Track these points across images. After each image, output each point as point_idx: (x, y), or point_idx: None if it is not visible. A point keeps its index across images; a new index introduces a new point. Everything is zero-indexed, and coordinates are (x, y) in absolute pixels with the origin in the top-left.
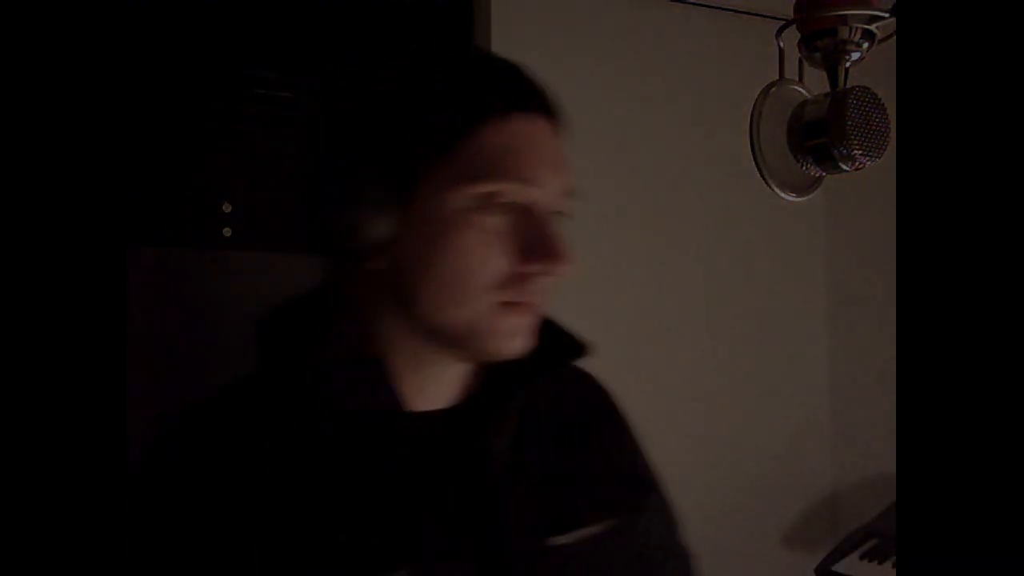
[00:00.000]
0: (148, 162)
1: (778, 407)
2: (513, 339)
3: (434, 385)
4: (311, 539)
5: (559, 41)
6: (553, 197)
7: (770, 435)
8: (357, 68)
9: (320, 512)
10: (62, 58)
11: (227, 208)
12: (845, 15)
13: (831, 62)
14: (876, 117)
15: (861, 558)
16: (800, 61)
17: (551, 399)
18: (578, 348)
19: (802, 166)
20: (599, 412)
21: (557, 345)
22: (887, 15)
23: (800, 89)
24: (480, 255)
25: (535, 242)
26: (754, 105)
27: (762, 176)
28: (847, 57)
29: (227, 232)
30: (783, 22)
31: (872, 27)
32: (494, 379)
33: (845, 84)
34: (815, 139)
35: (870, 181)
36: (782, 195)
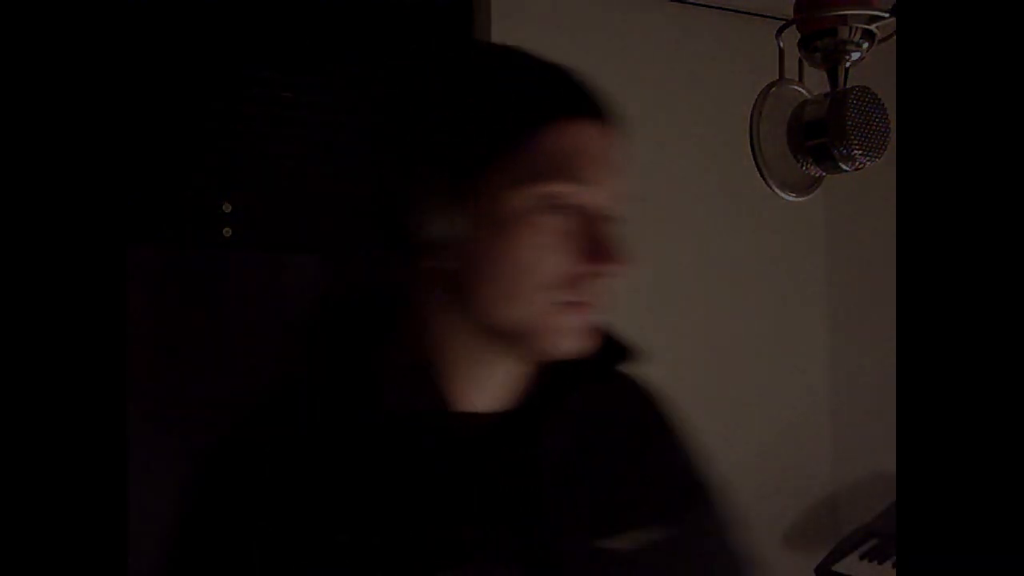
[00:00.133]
0: (148, 162)
1: (778, 407)
2: (569, 339)
3: (489, 386)
4: (360, 539)
5: (559, 41)
6: (610, 199)
7: (770, 435)
8: (357, 68)
9: (370, 512)
10: (62, 58)
11: (227, 208)
12: (845, 15)
13: (831, 62)
14: (876, 117)
15: (861, 558)
16: (800, 61)
17: (604, 403)
18: (630, 353)
19: (802, 166)
20: (652, 418)
21: (610, 349)
22: (887, 15)
23: (800, 89)
24: (539, 255)
25: (592, 243)
26: (754, 105)
27: (762, 176)
28: (847, 57)
29: (227, 232)
30: (783, 22)
31: (872, 27)
32: (549, 381)
33: (845, 84)
34: (815, 139)
35: (870, 181)
36: (782, 195)
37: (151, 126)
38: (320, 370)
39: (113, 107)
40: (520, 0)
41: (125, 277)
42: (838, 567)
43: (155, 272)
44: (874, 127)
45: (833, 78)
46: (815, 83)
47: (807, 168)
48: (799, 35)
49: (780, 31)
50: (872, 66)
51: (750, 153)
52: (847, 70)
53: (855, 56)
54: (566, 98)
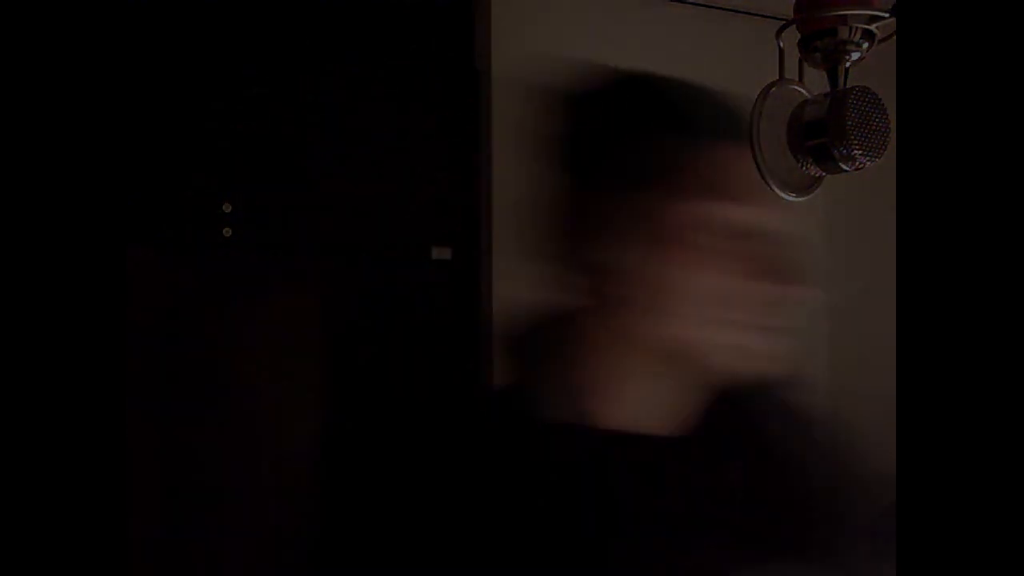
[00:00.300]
0: (148, 162)
1: None
2: (730, 359)
3: (651, 407)
4: (497, 551)
5: (559, 41)
6: (771, 219)
7: None
8: (357, 68)
9: (515, 524)
10: (62, 58)
11: (227, 208)
12: (845, 15)
13: (831, 62)
14: (876, 117)
15: None
16: (800, 61)
17: (761, 428)
18: (789, 378)
19: (802, 166)
20: (803, 444)
21: (766, 369)
22: (887, 15)
23: (800, 89)
24: (697, 273)
25: (753, 262)
26: (754, 105)
27: (762, 176)
28: (847, 57)
29: (227, 232)
30: (783, 22)
31: (872, 27)
32: (714, 403)
33: (845, 84)
34: (815, 139)
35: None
36: (782, 195)
37: (151, 126)
38: (489, 380)
39: (113, 107)
40: (520, 0)
41: (124, 277)
42: None
43: (155, 272)
44: (874, 127)
45: (833, 78)
46: (815, 83)
47: (807, 168)
48: (799, 35)
49: (780, 31)
50: (872, 66)
51: (750, 153)
52: (847, 70)
53: (855, 56)
54: (721, 118)
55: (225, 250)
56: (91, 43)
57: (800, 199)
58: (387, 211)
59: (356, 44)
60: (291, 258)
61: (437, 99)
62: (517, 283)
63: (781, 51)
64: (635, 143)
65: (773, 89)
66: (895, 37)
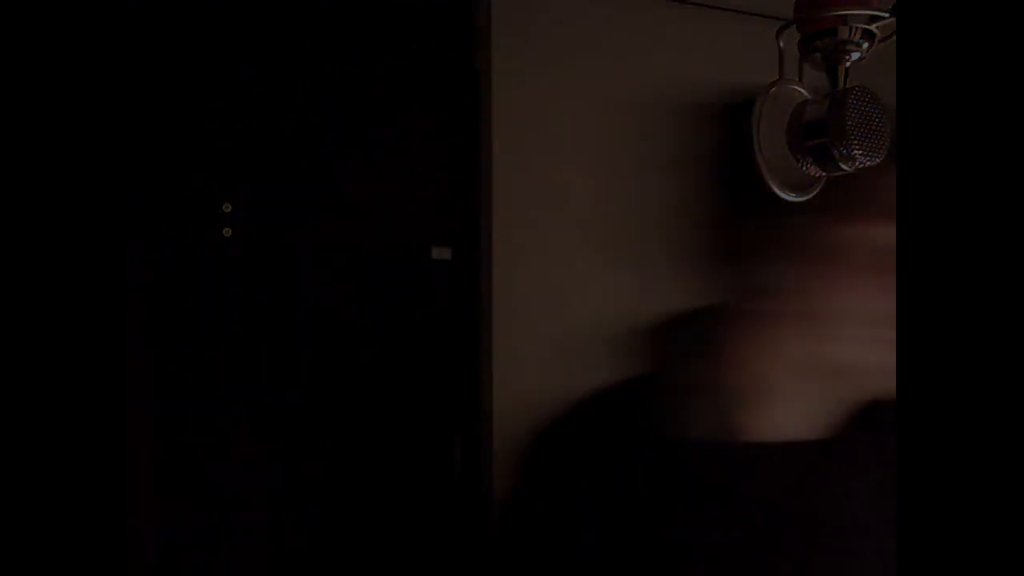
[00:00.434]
0: (148, 162)
1: None
2: (884, 378)
3: (799, 419)
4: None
5: (559, 41)
6: None
7: None
8: (357, 68)
9: (654, 526)
10: (63, 58)
11: (227, 208)
12: (845, 15)
13: (831, 62)
14: (876, 117)
15: None
16: (800, 61)
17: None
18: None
19: (802, 166)
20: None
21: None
22: (887, 15)
23: (800, 89)
24: (857, 293)
25: None
26: (754, 105)
27: (762, 176)
28: (847, 57)
29: (227, 232)
30: (783, 22)
31: (872, 27)
32: (864, 419)
33: (845, 84)
34: (815, 139)
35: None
36: (782, 195)
37: (151, 126)
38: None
39: (113, 107)
40: (520, 0)
41: (124, 276)
42: None
43: (155, 271)
44: (874, 127)
45: (833, 78)
46: (815, 83)
47: (807, 168)
48: (799, 35)
49: (780, 31)
50: (872, 66)
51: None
52: (847, 70)
53: (855, 56)
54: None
55: (225, 250)
56: (91, 43)
57: (800, 199)
58: (387, 211)
59: (356, 44)
60: (291, 258)
61: (437, 99)
62: (518, 283)
63: (781, 51)
64: (804, 164)
65: (773, 89)
66: (895, 37)
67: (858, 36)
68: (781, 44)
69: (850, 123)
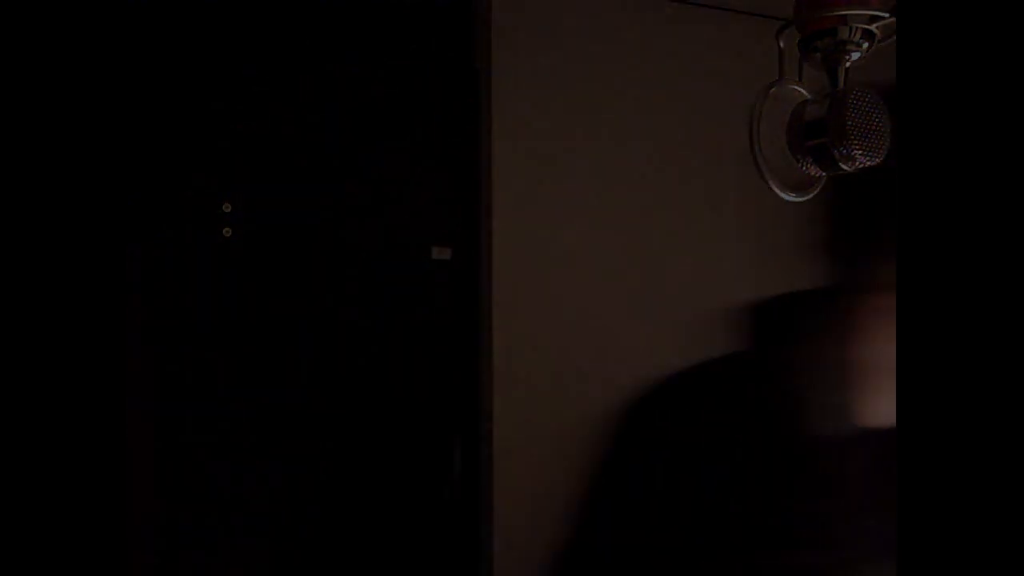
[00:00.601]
0: (148, 162)
1: None
2: None
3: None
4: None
5: (559, 41)
6: None
7: None
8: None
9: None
10: (63, 59)
11: (227, 208)
12: (845, 15)
13: (831, 62)
14: (876, 117)
15: None
16: (800, 61)
17: None
18: None
19: (802, 166)
20: None
21: None
22: (887, 15)
23: (800, 89)
24: None
25: None
26: (754, 105)
27: (762, 176)
28: (847, 57)
29: (227, 232)
30: (783, 22)
31: (872, 27)
32: None
33: (845, 84)
34: (815, 139)
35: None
36: (782, 195)
37: (151, 126)
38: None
39: (113, 107)
40: (520, 0)
41: (124, 276)
42: None
43: (154, 271)
44: (874, 127)
45: (833, 78)
46: (815, 83)
47: (807, 168)
48: (799, 35)
49: (780, 31)
50: (872, 66)
51: (750, 153)
52: (847, 70)
53: (855, 56)
54: None
55: (225, 250)
56: (92, 44)
57: (800, 199)
58: (387, 211)
59: (356, 44)
60: (291, 258)
61: (437, 99)
62: (518, 283)
63: (781, 51)
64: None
65: (773, 89)
66: (895, 37)
67: (858, 36)
68: (781, 44)
69: (850, 123)
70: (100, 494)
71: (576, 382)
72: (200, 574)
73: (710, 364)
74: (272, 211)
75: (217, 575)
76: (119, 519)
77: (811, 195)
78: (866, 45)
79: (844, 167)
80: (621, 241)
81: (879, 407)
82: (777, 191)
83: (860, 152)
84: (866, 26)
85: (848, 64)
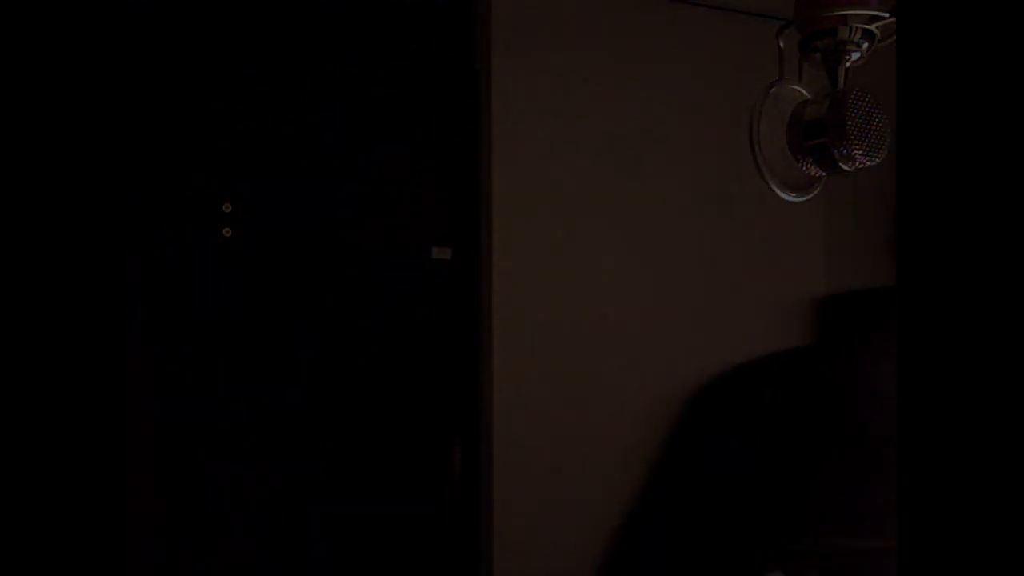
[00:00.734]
0: (148, 162)
1: None
2: None
3: None
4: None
5: (559, 41)
6: None
7: None
8: (357, 68)
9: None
10: (63, 59)
11: (227, 208)
12: (845, 15)
13: (831, 62)
14: (876, 117)
15: None
16: (800, 61)
17: None
18: None
19: (802, 166)
20: None
21: None
22: (887, 15)
23: (800, 89)
24: None
25: None
26: (754, 105)
27: (762, 176)
28: (847, 57)
29: (227, 232)
30: (783, 22)
31: (872, 27)
32: None
33: (845, 84)
34: (815, 139)
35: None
36: (782, 195)
37: (151, 126)
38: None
39: (114, 107)
40: (520, 0)
41: (124, 277)
42: None
43: (154, 272)
44: (874, 127)
45: (833, 78)
46: (815, 83)
47: (807, 168)
48: (799, 35)
49: (780, 31)
50: (872, 66)
51: (750, 153)
52: (847, 70)
53: (855, 56)
54: None
55: (225, 250)
56: (92, 44)
57: (800, 199)
58: (387, 211)
59: (356, 44)
60: (291, 258)
61: (437, 99)
62: (518, 283)
63: (781, 51)
64: None
65: (773, 89)
66: (895, 37)
67: (858, 36)
68: (781, 44)
69: (850, 123)
70: (100, 494)
71: (576, 382)
72: (200, 574)
73: (777, 355)
74: (272, 211)
75: (217, 575)
76: (119, 519)
77: (811, 195)
78: (866, 45)
79: (844, 167)
80: (621, 241)
81: None
82: (777, 191)
83: (860, 152)
84: (866, 26)
85: (848, 64)
